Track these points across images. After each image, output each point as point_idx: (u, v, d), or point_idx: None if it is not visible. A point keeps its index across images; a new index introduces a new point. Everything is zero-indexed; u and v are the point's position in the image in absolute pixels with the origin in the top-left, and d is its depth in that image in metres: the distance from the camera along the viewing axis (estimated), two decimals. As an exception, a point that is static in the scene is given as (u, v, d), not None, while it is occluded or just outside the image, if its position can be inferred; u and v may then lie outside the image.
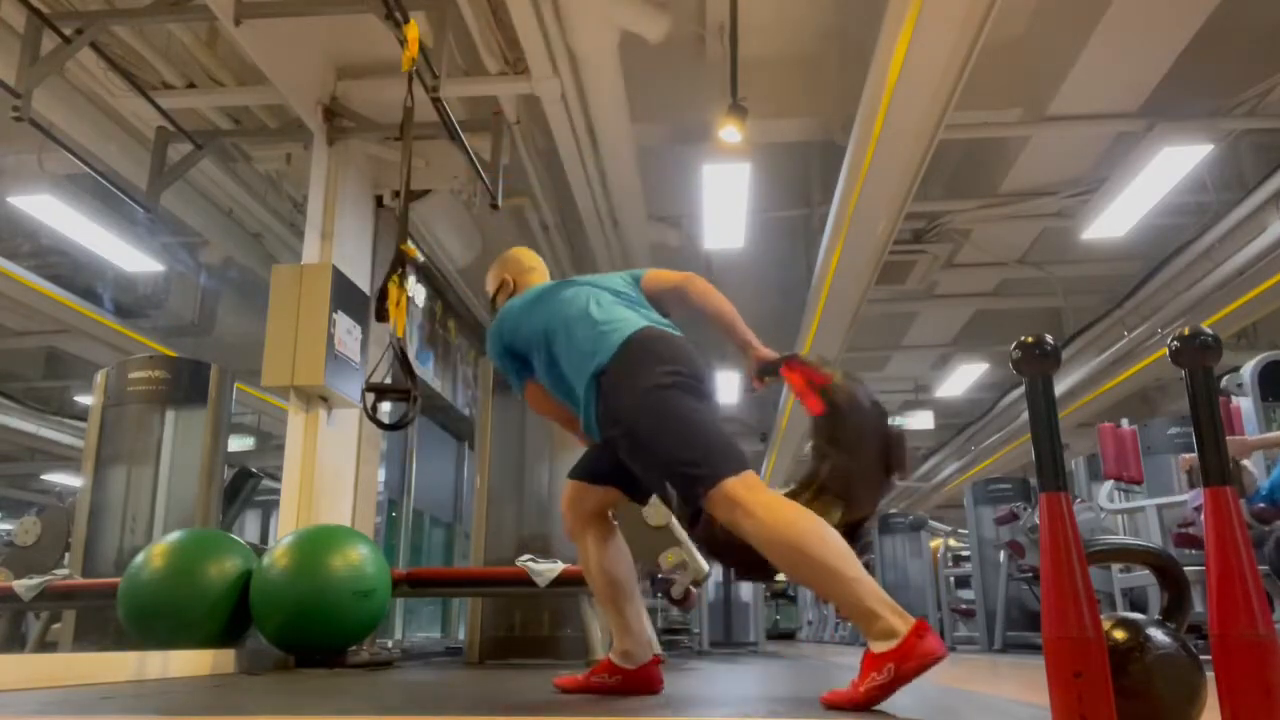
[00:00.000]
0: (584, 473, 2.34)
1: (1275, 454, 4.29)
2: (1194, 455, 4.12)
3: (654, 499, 2.38)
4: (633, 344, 2.13)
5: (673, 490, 2.06)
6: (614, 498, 2.32)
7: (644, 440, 2.05)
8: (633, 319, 2.21)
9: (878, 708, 1.74)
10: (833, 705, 1.78)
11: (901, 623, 1.74)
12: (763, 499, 1.91)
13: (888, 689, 1.71)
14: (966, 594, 9.74)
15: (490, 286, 2.70)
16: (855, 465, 2.07)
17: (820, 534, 1.85)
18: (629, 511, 3.03)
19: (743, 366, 2.35)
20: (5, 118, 3.93)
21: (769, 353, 2.31)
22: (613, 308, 2.27)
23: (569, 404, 2.28)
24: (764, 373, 2.30)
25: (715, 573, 7.94)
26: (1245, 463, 4.36)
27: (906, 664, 1.69)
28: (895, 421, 2.22)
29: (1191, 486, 4.71)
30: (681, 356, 2.13)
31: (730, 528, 1.93)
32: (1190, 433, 1.27)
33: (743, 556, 2.06)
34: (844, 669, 4.01)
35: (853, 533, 2.03)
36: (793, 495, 2.06)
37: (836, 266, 6.90)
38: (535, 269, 2.68)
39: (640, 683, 2.25)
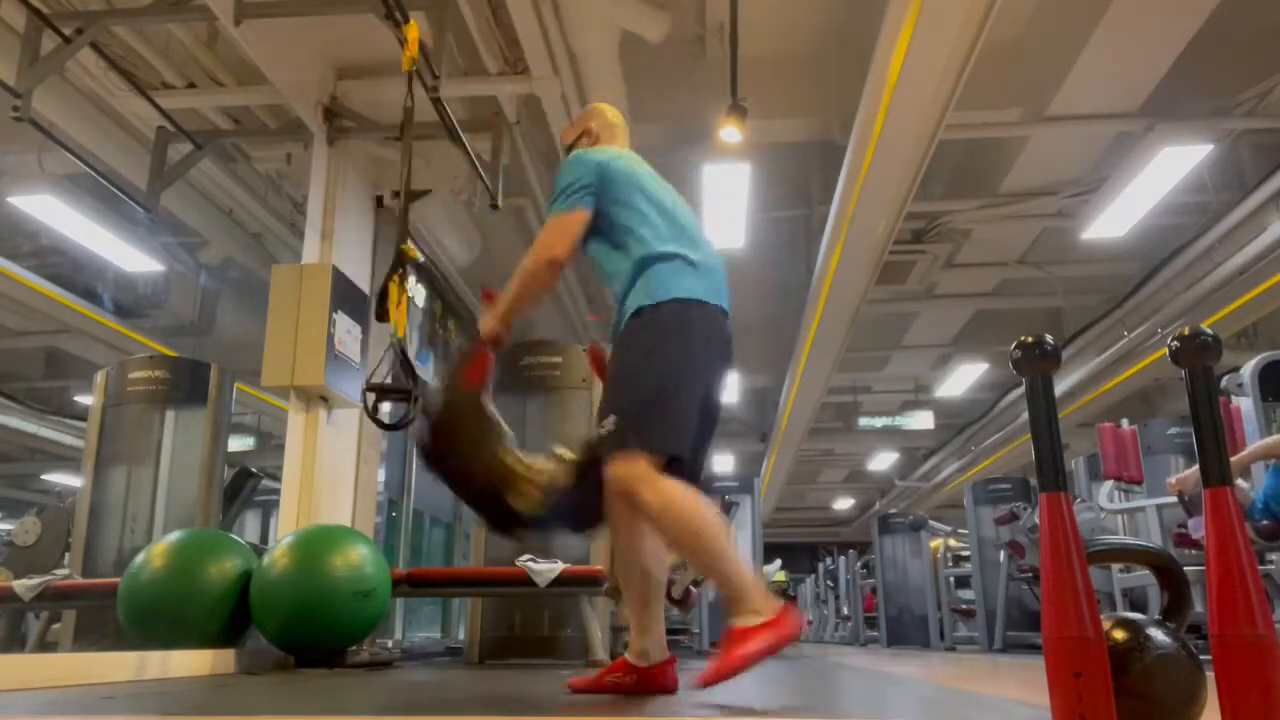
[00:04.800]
0: None
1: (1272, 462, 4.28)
2: (1183, 476, 4.09)
3: None
4: (685, 309, 2.18)
5: (607, 429, 2.10)
6: None
7: (630, 372, 2.14)
8: (699, 283, 2.25)
9: (878, 708, 1.74)
10: (712, 680, 1.87)
11: (769, 604, 1.93)
12: (665, 482, 2.03)
13: (758, 656, 1.86)
14: (966, 594, 9.74)
15: (570, 134, 2.68)
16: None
17: (710, 518, 2.01)
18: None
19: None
20: (5, 118, 3.94)
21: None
22: (716, 262, 2.36)
23: (601, 263, 2.31)
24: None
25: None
26: (1240, 482, 4.35)
27: (779, 633, 1.88)
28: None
29: (1190, 514, 4.67)
30: (725, 345, 2.23)
31: (626, 494, 2.05)
32: (1190, 433, 1.27)
33: (490, 505, 2.27)
34: (845, 669, 4.02)
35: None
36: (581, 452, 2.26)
37: (836, 266, 6.90)
38: (618, 125, 2.65)
39: (656, 682, 2.25)
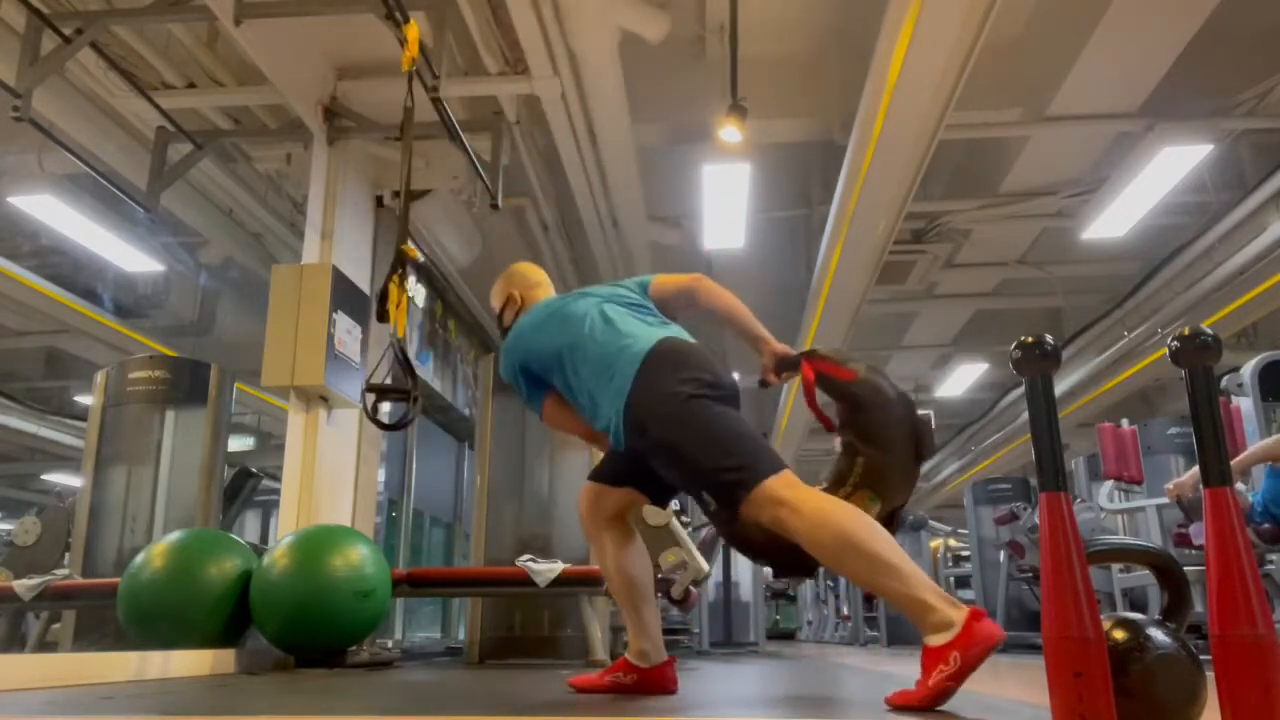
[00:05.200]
0: (604, 475, 2.35)
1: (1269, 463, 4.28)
2: (1180, 482, 4.10)
3: None
4: (654, 357, 2.12)
5: (710, 497, 2.03)
6: (633, 499, 2.33)
7: (681, 452, 2.04)
8: (649, 332, 2.21)
9: (878, 708, 1.75)
10: (903, 706, 1.70)
11: (956, 612, 1.69)
12: (805, 495, 1.91)
13: (957, 679, 1.65)
14: (966, 594, 9.75)
15: (496, 303, 2.66)
16: (887, 459, 2.07)
17: (867, 527, 1.84)
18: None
19: (758, 362, 2.36)
20: (5, 118, 3.93)
21: (784, 348, 2.32)
22: (627, 320, 2.26)
23: (590, 418, 2.26)
24: (782, 368, 2.31)
25: (715, 572, 7.94)
26: (1238, 485, 4.35)
27: (971, 650, 1.64)
28: (920, 410, 2.24)
29: (1189, 519, 4.68)
30: (703, 363, 2.13)
31: (774, 526, 1.91)
32: (1190, 433, 1.27)
33: (782, 556, 2.10)
34: (845, 669, 4.02)
35: (890, 522, 2.03)
36: (828, 492, 2.05)
37: (836, 266, 6.90)
38: (541, 284, 2.64)
39: (655, 683, 2.26)
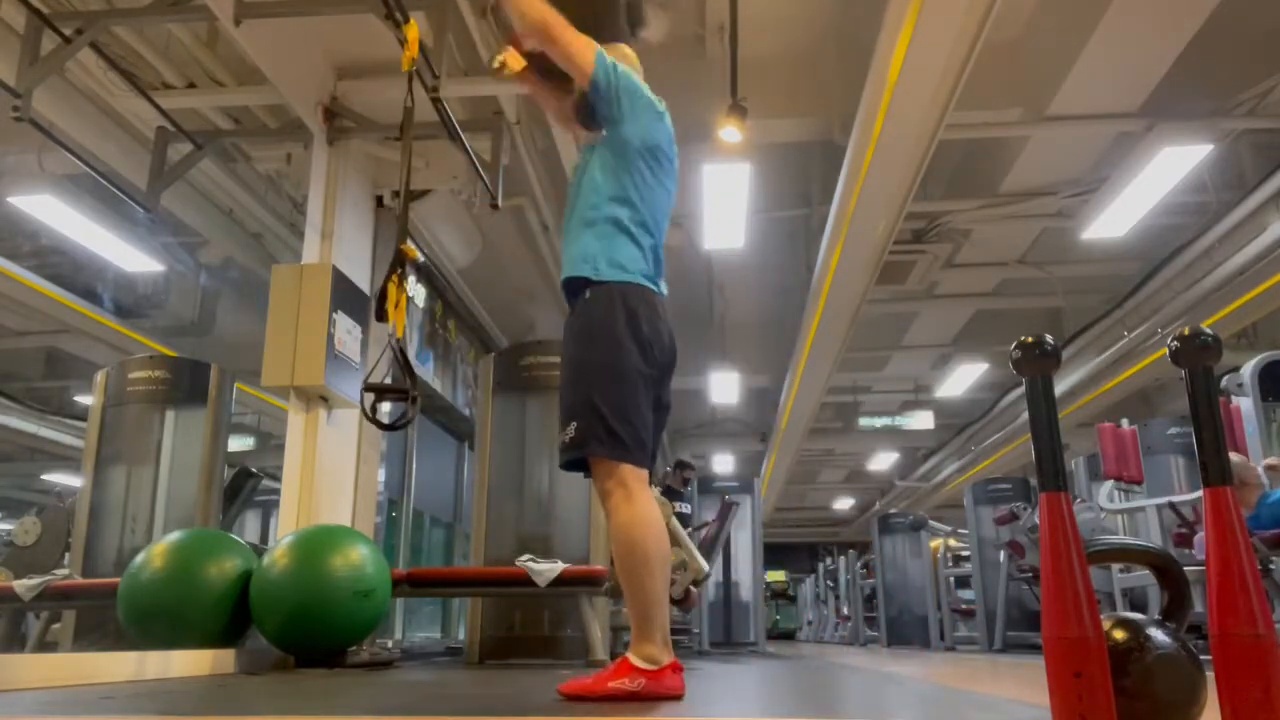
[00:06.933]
0: None
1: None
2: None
3: (656, 495, 2.38)
4: (640, 293, 2.18)
5: (570, 428, 2.11)
6: None
7: (588, 370, 2.12)
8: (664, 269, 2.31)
9: (878, 708, 1.75)
10: (572, 694, 1.92)
11: (666, 656, 2.00)
12: (645, 496, 2.09)
13: (630, 697, 1.90)
14: (966, 594, 9.75)
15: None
16: None
17: (662, 554, 2.08)
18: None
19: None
20: (5, 118, 3.93)
21: None
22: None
23: (570, 238, 2.29)
24: None
25: (715, 572, 7.94)
26: (1264, 466, 4.36)
27: (654, 688, 1.94)
28: None
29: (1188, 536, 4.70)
30: (668, 345, 2.22)
31: (602, 496, 2.11)
32: (1190, 433, 1.27)
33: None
34: (845, 669, 4.02)
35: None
36: None
37: (836, 266, 6.90)
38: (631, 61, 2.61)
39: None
